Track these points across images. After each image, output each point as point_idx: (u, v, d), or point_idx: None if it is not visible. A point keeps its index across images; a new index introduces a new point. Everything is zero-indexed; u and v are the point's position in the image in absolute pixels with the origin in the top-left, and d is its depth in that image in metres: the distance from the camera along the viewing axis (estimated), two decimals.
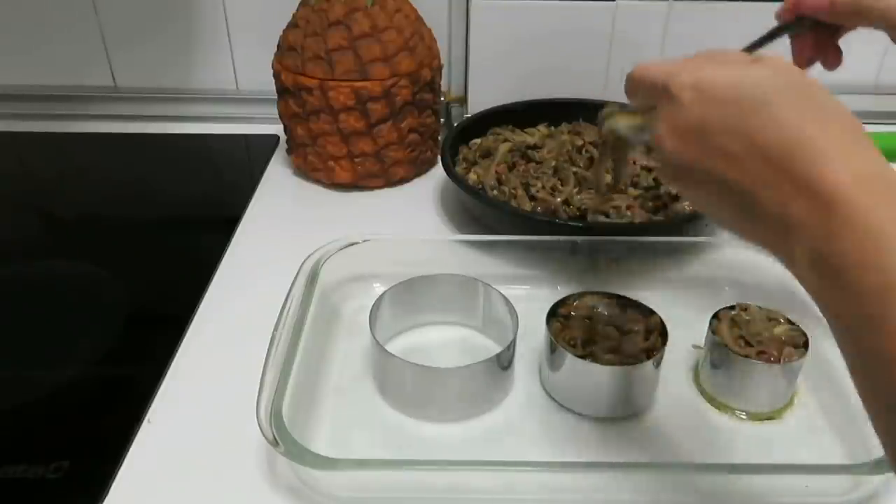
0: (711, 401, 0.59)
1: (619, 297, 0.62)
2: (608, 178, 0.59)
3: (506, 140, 0.85)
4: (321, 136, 0.83)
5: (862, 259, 0.30)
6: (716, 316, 0.60)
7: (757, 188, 0.34)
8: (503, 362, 0.58)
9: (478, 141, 0.87)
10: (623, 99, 0.84)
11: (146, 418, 0.56)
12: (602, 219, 0.74)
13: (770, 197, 0.33)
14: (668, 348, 0.57)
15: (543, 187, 0.77)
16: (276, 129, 0.93)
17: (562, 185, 0.78)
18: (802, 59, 0.51)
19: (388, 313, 0.63)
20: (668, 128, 0.38)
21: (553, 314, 0.60)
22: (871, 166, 0.32)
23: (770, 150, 0.33)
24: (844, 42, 0.54)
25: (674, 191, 0.38)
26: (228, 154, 0.99)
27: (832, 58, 0.51)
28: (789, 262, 0.34)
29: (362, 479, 0.51)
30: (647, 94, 0.40)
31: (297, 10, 0.83)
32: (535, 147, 0.83)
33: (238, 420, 0.53)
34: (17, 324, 0.68)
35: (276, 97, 0.87)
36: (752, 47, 0.51)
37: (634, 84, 0.42)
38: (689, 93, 0.37)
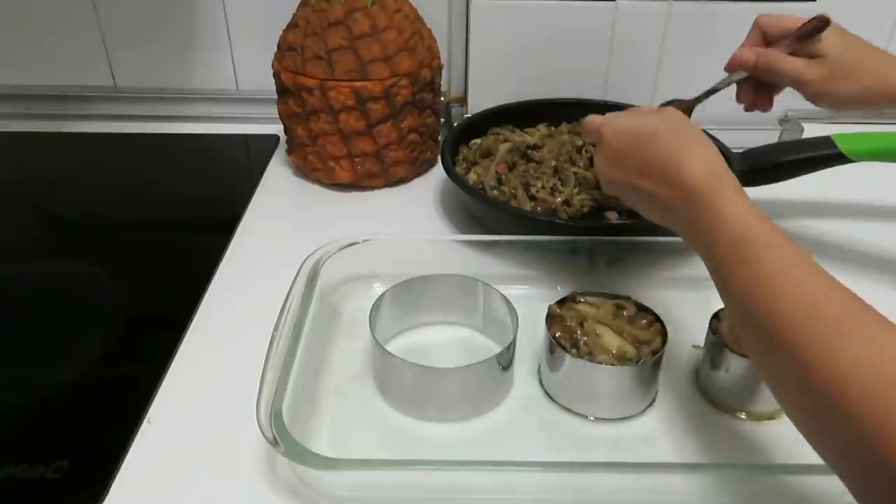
0: (711, 401, 0.59)
1: (618, 297, 0.62)
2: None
3: (506, 140, 0.85)
4: (321, 136, 0.83)
5: (709, 226, 0.49)
6: (716, 316, 0.60)
7: (654, 188, 0.54)
8: (503, 362, 0.58)
9: (478, 141, 0.87)
10: (620, 98, 0.86)
11: (146, 418, 0.57)
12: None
13: (661, 193, 0.53)
14: (668, 348, 0.57)
15: (543, 187, 0.77)
16: (276, 129, 0.93)
17: (562, 185, 0.78)
18: (744, 102, 0.70)
19: (388, 313, 0.63)
20: (601, 157, 0.60)
21: (552, 314, 0.60)
22: (712, 166, 0.51)
23: (657, 164, 0.53)
24: None
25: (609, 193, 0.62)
26: (228, 154, 0.99)
27: (761, 103, 0.69)
28: (677, 231, 0.54)
29: (362, 479, 0.51)
30: (590, 135, 0.62)
31: (297, 10, 0.83)
32: (535, 147, 0.83)
33: (238, 420, 0.53)
34: (17, 324, 0.68)
35: (276, 97, 0.87)
36: (708, 93, 0.69)
37: (585, 130, 0.64)
38: (611, 133, 0.59)
